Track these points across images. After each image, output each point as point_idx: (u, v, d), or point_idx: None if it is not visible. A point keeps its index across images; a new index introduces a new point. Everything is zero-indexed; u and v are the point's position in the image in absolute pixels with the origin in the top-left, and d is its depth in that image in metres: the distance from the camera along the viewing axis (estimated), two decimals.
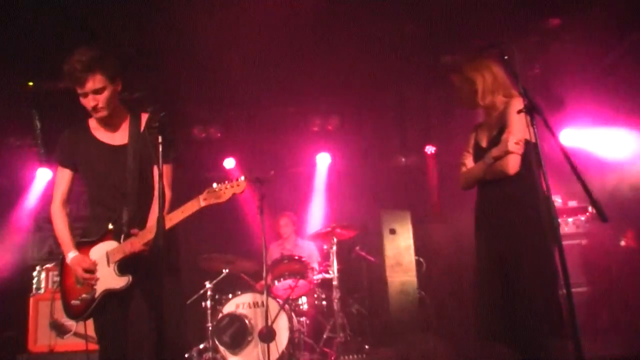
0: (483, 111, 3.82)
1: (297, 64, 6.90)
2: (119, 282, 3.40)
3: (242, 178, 3.38)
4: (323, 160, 8.57)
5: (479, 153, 3.73)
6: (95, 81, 3.34)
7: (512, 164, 3.45)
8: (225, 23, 5.93)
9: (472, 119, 6.61)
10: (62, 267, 3.60)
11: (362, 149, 8.59)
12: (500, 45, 3.18)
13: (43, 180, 8.24)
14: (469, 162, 3.82)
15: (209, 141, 8.08)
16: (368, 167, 8.70)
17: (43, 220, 8.26)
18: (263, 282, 5.61)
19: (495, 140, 3.60)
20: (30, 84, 6.92)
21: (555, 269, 3.20)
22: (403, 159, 8.66)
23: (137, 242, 3.34)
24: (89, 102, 3.40)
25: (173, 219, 3.35)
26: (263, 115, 8.08)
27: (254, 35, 6.09)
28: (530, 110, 2.96)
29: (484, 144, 3.74)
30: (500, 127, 3.60)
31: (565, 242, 3.01)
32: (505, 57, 3.17)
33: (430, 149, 8.60)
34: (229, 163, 8.46)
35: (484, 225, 3.71)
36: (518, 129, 3.43)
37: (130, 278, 3.39)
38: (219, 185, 3.36)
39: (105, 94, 3.40)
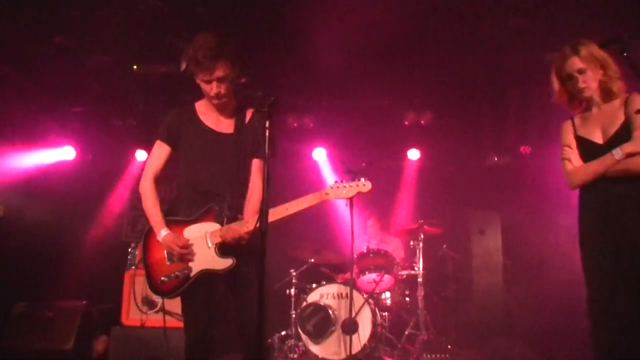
0: (588, 104, 3.59)
1: (394, 57, 6.79)
2: (222, 263, 3.42)
3: (365, 180, 3.54)
4: (414, 155, 8.39)
5: (593, 150, 3.47)
6: (222, 69, 3.38)
7: None
8: (324, 14, 5.93)
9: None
10: (147, 243, 3.59)
11: (454, 145, 8.37)
12: (620, 41, 3.00)
13: (140, 161, 8.53)
14: (575, 158, 3.54)
15: (301, 130, 8.10)
16: (459, 164, 8.47)
17: (137, 200, 8.54)
18: (346, 274, 5.60)
19: (620, 137, 3.37)
20: (135, 67, 7.11)
21: None
22: (496, 159, 8.36)
23: (242, 228, 3.37)
24: (212, 89, 3.45)
25: (289, 209, 3.41)
26: (356, 106, 8.02)
27: (353, 27, 6.03)
28: None
29: (598, 140, 3.49)
30: (622, 123, 3.38)
31: None
32: (625, 54, 2.98)
33: (525, 149, 8.29)
34: (319, 153, 8.46)
35: (607, 227, 3.39)
36: None
37: (234, 260, 3.40)
38: (342, 183, 3.53)
39: (228, 81, 3.45)
